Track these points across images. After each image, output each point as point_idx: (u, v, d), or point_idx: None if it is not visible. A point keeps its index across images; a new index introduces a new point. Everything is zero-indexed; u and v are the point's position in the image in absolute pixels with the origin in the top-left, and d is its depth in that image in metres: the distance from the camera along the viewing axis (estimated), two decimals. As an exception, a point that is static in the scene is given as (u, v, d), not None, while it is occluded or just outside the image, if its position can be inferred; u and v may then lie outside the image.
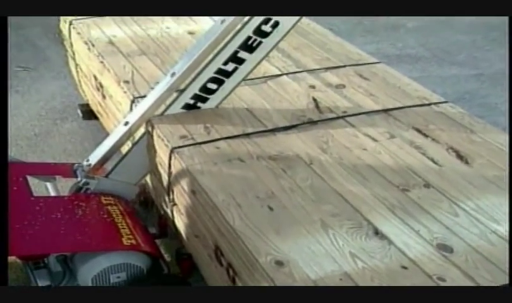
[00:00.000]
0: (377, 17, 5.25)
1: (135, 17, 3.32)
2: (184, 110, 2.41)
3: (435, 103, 2.51)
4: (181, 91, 2.40)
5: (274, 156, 2.16)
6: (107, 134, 3.01)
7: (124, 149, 2.55)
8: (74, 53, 3.27)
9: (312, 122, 2.36)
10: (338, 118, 2.39)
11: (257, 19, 2.23)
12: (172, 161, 2.19)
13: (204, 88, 2.38)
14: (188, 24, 3.28)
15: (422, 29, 4.99)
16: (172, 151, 2.19)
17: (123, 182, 2.42)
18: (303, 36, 3.14)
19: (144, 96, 2.50)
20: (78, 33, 3.13)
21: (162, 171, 2.31)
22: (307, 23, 3.31)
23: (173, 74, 2.32)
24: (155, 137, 2.32)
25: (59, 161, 3.24)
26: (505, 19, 5.13)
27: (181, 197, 2.18)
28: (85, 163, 2.38)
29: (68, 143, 3.39)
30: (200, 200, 2.03)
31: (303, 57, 2.90)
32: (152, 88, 2.55)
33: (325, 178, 2.04)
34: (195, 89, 2.39)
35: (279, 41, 2.32)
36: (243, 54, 2.31)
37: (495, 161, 2.16)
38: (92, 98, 3.20)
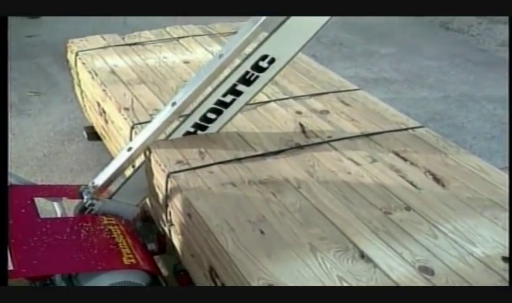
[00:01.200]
0: (354, 44, 5.17)
1: (135, 48, 3.21)
2: (181, 136, 2.30)
3: (411, 128, 2.40)
4: (183, 120, 2.30)
5: (264, 180, 2.04)
6: (110, 155, 2.90)
7: (127, 172, 2.42)
8: (79, 81, 3.15)
9: (299, 147, 2.25)
10: (323, 143, 2.27)
11: (255, 56, 2.16)
12: (169, 185, 2.07)
13: (204, 118, 2.28)
14: (183, 54, 3.16)
15: (394, 56, 4.90)
16: (168, 176, 2.07)
17: (126, 203, 2.30)
18: (289, 65, 3.01)
19: (143, 123, 2.39)
20: (83, 63, 3.01)
21: (159, 193, 2.18)
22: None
23: (174, 104, 2.21)
24: (152, 162, 2.20)
25: (66, 180, 3.11)
26: (468, 48, 5.13)
27: (178, 218, 2.07)
28: (90, 185, 2.26)
29: (74, 163, 3.26)
30: (195, 223, 1.91)
31: (289, 84, 2.79)
32: (151, 115, 2.45)
33: (313, 201, 1.93)
34: (195, 118, 2.29)
35: (274, 76, 2.24)
36: (241, 87, 2.22)
37: (469, 184, 2.06)
38: (96, 122, 3.07)
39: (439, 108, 4.02)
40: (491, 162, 3.39)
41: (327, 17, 2.09)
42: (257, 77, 2.20)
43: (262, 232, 1.78)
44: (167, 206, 2.13)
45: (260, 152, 2.21)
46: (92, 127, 3.31)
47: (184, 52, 3.19)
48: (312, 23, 2.12)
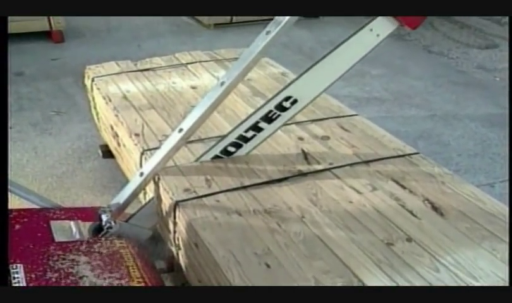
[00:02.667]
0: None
1: (147, 73, 2.99)
2: (189, 163, 2.09)
3: (408, 155, 2.19)
4: (204, 153, 2.13)
5: (269, 209, 1.83)
6: (123, 173, 2.70)
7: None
8: (95, 104, 2.94)
9: (302, 174, 2.04)
10: (325, 170, 2.06)
11: (280, 96, 2.01)
12: (176, 213, 1.87)
13: (224, 151, 2.11)
14: (191, 79, 2.95)
15: (384, 76, 4.68)
16: (176, 204, 1.86)
17: (140, 227, 2.10)
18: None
19: (152, 149, 2.18)
20: (98, 89, 2.80)
21: (168, 219, 1.97)
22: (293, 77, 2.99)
23: (180, 130, 2.00)
24: (161, 189, 1.99)
25: (82, 197, 2.91)
26: (449, 69, 4.92)
27: (185, 245, 1.86)
28: (107, 208, 2.05)
29: (90, 180, 3.05)
30: (202, 253, 1.71)
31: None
32: (160, 141, 2.24)
33: (317, 232, 1.72)
34: (216, 151, 2.12)
35: (294, 115, 2.08)
36: (262, 124, 2.06)
37: (466, 212, 1.85)
38: (110, 142, 2.86)
39: (427, 126, 3.81)
40: (475, 179, 3.21)
41: (352, 63, 1.97)
42: (279, 115, 2.04)
43: (268, 266, 1.57)
44: (175, 231, 1.93)
45: (264, 179, 2.00)
46: (106, 146, 3.10)
47: (191, 77, 2.97)
48: (336, 69, 1.98)
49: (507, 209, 1.87)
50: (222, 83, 1.97)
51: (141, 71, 3.03)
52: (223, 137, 2.11)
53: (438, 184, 1.99)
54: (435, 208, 1.85)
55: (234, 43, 5.28)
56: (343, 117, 2.50)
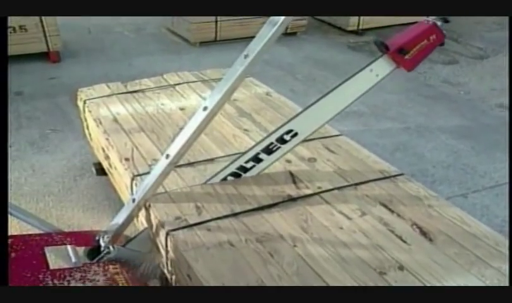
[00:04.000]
0: (325, 80, 4.78)
1: (136, 95, 2.78)
2: (179, 189, 1.89)
3: (393, 176, 2.01)
4: (206, 181, 1.95)
5: (261, 237, 1.64)
6: (115, 190, 2.49)
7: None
8: (88, 125, 2.72)
9: (292, 199, 1.85)
10: (314, 194, 1.88)
11: (282, 130, 1.89)
12: (168, 243, 1.67)
13: (224, 180, 1.95)
14: (179, 101, 2.74)
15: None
16: (168, 234, 1.67)
17: (137, 251, 1.89)
18: (274, 109, 2.63)
19: (142, 174, 1.99)
20: (90, 111, 2.59)
21: (160, 246, 1.78)
22: (277, 97, 2.81)
23: (168, 156, 1.80)
24: (152, 217, 1.79)
25: (77, 215, 2.69)
26: (418, 84, 4.78)
27: (178, 274, 1.66)
28: (104, 233, 1.85)
29: (85, 198, 2.83)
30: (195, 284, 1.51)
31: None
32: (150, 166, 2.04)
33: (309, 262, 1.54)
34: (217, 179, 1.95)
35: (293, 147, 1.94)
36: (262, 155, 1.92)
37: (453, 236, 1.69)
38: (102, 161, 2.65)
39: (402, 138, 3.65)
40: (450, 190, 3.06)
41: (352, 99, 1.89)
42: (279, 147, 1.90)
43: (262, 301, 1.38)
44: (167, 258, 1.73)
45: (254, 205, 1.81)
46: (100, 163, 2.88)
47: (179, 98, 2.77)
48: (337, 105, 1.88)
49: (489, 230, 1.71)
50: (205, 108, 1.77)
51: (131, 92, 2.82)
52: (225, 167, 1.95)
53: (425, 207, 1.82)
54: (423, 233, 1.68)
55: (218, 58, 5.10)
56: (328, 137, 2.32)
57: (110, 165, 2.37)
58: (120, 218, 1.87)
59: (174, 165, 1.83)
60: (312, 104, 1.87)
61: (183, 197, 1.84)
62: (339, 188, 1.91)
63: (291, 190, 1.90)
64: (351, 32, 6.10)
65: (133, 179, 1.98)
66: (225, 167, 1.93)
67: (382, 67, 1.80)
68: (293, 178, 1.97)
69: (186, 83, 2.97)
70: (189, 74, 3.13)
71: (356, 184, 1.94)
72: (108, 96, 2.76)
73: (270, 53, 5.42)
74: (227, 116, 2.51)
